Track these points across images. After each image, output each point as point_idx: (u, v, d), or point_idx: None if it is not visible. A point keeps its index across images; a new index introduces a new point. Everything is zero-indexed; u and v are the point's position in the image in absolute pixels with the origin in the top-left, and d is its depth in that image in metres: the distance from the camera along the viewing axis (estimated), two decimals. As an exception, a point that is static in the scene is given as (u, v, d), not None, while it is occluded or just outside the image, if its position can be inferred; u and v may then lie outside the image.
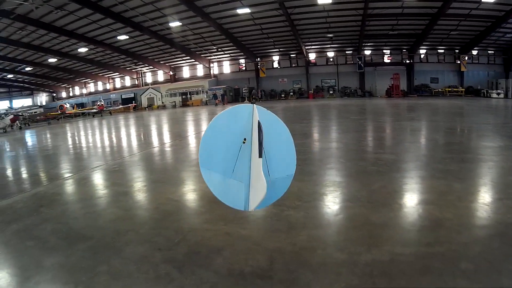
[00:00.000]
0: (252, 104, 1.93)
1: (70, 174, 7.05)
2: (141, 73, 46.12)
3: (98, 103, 33.90)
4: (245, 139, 1.86)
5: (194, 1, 25.99)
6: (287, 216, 4.12)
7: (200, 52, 39.09)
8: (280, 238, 3.53)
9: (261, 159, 1.74)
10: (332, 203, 4.63)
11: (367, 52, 38.19)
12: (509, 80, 32.55)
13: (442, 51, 37.28)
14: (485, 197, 4.85)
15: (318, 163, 7.14)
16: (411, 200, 4.66)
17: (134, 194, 5.37)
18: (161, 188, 5.57)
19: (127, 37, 32.65)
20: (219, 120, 2.00)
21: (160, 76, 45.56)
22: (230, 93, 39.81)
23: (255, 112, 1.89)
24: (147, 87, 43.52)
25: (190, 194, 5.29)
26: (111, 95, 45.97)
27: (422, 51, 37.36)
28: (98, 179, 6.70)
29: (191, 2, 25.97)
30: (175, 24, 29.51)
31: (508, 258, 3.07)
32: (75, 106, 36.80)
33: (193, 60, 40.83)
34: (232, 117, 1.97)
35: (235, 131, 1.91)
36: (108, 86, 49.53)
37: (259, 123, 1.83)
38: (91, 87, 51.97)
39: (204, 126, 15.84)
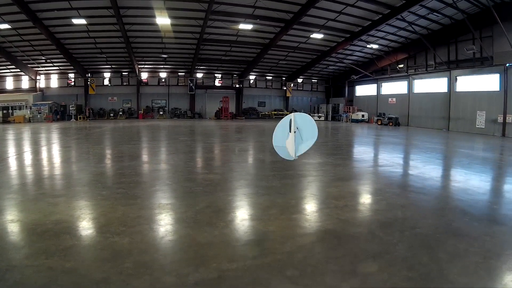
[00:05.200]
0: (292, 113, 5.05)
1: None
2: (-41, 82, 34.47)
3: None
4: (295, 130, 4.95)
5: (28, 3, 22.03)
6: (112, 244, 3.92)
7: (27, 62, 32.96)
8: (106, 267, 3.37)
9: (295, 135, 4.96)
10: (157, 226, 4.57)
11: (199, 75, 40.30)
12: (329, 105, 41.72)
13: (271, 77, 43.50)
14: (305, 208, 5.61)
15: (144, 186, 6.97)
16: (236, 217, 5.06)
17: None
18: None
19: None
20: (280, 122, 5.10)
21: (-20, 86, 35.00)
22: (56, 109, 34.29)
23: (293, 116, 4.98)
24: (-35, 99, 32.95)
25: (7, 225, 4.40)
26: None
27: (252, 77, 42.49)
28: None
29: (25, 4, 21.93)
30: (3, 26, 24.54)
31: (329, 260, 3.60)
32: None
33: (18, 70, 33.75)
34: (285, 120, 5.04)
35: (285, 125, 5.03)
36: None
37: (293, 121, 4.97)
38: None
39: (25, 147, 13.44)
